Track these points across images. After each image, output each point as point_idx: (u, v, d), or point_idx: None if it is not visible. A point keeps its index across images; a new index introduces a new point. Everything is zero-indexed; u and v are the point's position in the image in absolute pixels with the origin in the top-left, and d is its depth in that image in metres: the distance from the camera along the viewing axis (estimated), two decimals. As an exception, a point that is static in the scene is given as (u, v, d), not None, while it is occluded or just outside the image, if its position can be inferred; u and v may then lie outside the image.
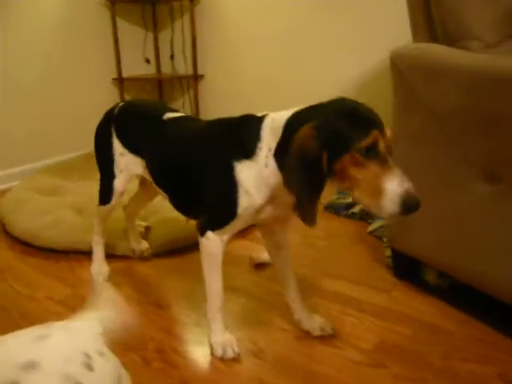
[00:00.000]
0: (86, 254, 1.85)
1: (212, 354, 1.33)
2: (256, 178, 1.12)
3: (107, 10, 3.38)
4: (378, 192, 0.93)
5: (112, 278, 1.76)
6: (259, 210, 1.17)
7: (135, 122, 1.50)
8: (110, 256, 1.85)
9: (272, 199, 1.15)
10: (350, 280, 1.72)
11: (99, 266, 1.77)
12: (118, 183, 1.56)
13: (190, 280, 1.74)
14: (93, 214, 1.75)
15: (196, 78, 3.58)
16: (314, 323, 1.40)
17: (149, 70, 3.75)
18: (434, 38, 1.50)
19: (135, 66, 3.63)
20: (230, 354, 1.31)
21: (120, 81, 3.48)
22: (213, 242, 1.24)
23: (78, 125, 3.17)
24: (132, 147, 1.50)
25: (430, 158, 1.41)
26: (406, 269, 1.69)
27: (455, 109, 1.30)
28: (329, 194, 2.42)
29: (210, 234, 1.24)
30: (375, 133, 0.93)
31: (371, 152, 0.93)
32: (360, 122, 0.95)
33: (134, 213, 1.88)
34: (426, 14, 1.49)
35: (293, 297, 1.42)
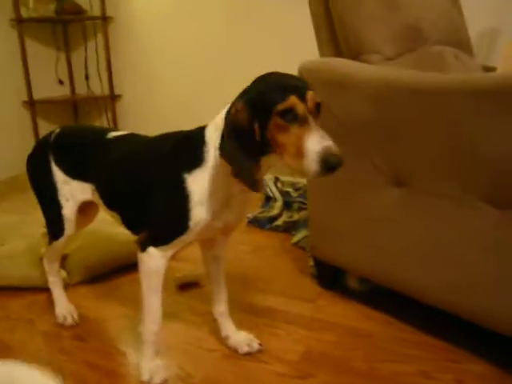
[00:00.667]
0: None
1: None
2: (209, 184, 1.11)
3: (14, 30, 3.22)
4: (299, 153, 0.95)
5: (24, 315, 1.65)
6: (213, 220, 1.15)
7: (78, 145, 1.42)
8: (22, 289, 1.75)
9: (226, 203, 1.15)
10: (277, 292, 1.73)
11: (65, 307, 1.62)
12: (68, 212, 1.45)
13: (115, 307, 1.67)
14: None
15: (113, 98, 3.50)
16: (241, 339, 1.39)
17: (63, 92, 3.61)
18: (338, 53, 1.56)
19: (48, 88, 3.48)
20: (156, 380, 1.26)
21: (31, 103, 3.31)
22: (155, 259, 1.19)
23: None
24: (77, 173, 1.42)
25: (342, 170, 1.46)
26: (330, 277, 1.73)
27: (361, 119, 1.36)
28: (253, 207, 2.44)
29: (151, 249, 1.18)
30: (292, 97, 0.96)
31: (289, 115, 0.96)
32: (279, 89, 0.98)
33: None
34: (330, 31, 1.55)
35: (221, 311, 1.41)
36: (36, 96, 3.33)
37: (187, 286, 1.79)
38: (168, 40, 3.23)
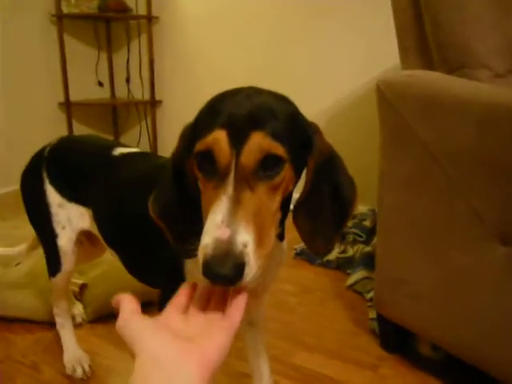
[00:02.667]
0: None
1: None
2: None
3: (54, 26, 3.05)
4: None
5: (29, 357, 1.40)
6: None
7: (76, 161, 1.17)
8: (28, 322, 1.52)
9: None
10: (328, 352, 1.41)
11: (73, 354, 1.37)
12: (64, 243, 1.19)
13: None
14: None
15: (154, 103, 3.27)
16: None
17: (102, 94, 3.42)
18: (426, 65, 1.24)
19: (86, 90, 3.30)
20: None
21: (67, 105, 3.13)
22: None
23: (18, 155, 2.78)
24: (73, 195, 1.16)
25: (426, 211, 1.14)
26: (396, 339, 1.40)
27: (459, 150, 1.04)
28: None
29: None
30: (216, 133, 0.59)
31: (205, 162, 0.61)
32: (208, 117, 0.63)
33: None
34: (418, 37, 1.24)
35: None
36: (73, 97, 3.14)
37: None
38: (215, 45, 2.98)
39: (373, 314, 1.53)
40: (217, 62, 2.97)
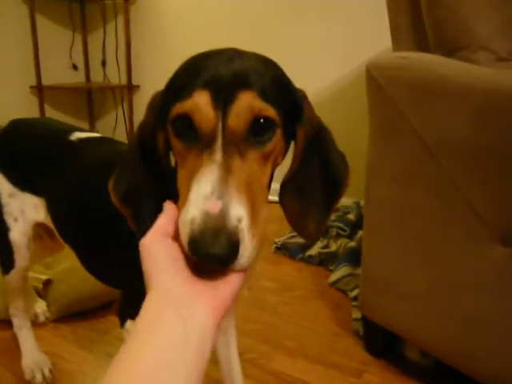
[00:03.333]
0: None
1: None
2: None
3: (25, 6, 2.87)
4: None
5: (-15, 361, 1.28)
6: None
7: (28, 146, 1.04)
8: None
9: None
10: (310, 357, 1.31)
11: (33, 358, 1.24)
12: (17, 236, 1.07)
13: (99, 358, 1.29)
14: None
15: (131, 88, 3.12)
16: None
17: (76, 78, 3.25)
18: (421, 46, 1.14)
19: (60, 73, 3.14)
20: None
21: (39, 89, 2.96)
22: None
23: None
24: (26, 183, 1.04)
25: (419, 207, 1.04)
26: (382, 342, 1.31)
27: (456, 141, 0.94)
28: (282, 230, 2.03)
29: (130, 325, 0.80)
30: (197, 94, 0.50)
31: (185, 128, 0.51)
32: (186, 77, 0.53)
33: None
34: (411, 16, 1.14)
35: None
36: (46, 81, 2.98)
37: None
38: (195, 26, 2.83)
39: (357, 314, 1.44)
40: (198, 45, 2.81)
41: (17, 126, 1.10)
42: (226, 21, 2.70)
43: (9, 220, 1.06)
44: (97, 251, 0.94)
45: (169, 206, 0.52)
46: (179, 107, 0.50)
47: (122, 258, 0.84)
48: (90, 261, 0.99)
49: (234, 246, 0.44)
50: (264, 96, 0.51)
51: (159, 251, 0.48)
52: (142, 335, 0.43)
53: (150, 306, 0.45)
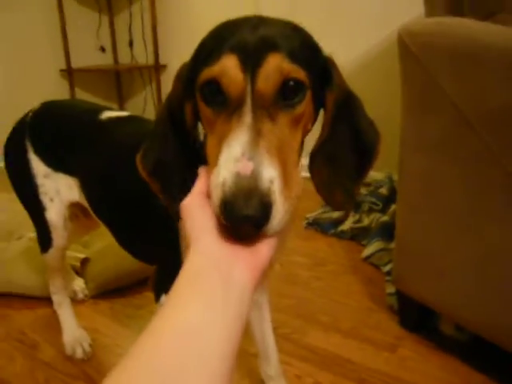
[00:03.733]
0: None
1: None
2: None
3: (52, -10, 2.89)
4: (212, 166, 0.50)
5: (29, 335, 1.33)
6: None
7: (60, 127, 1.06)
8: (28, 298, 1.46)
9: None
10: (344, 331, 1.32)
11: (73, 334, 1.28)
12: (53, 216, 1.10)
13: (135, 332, 1.32)
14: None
15: (158, 68, 3.13)
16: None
17: (104, 60, 3.28)
18: (455, 10, 1.09)
19: (88, 55, 3.16)
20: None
21: (69, 72, 3.00)
22: None
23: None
24: (59, 163, 1.06)
25: (457, 180, 1.01)
26: (416, 317, 1.30)
27: (497, 111, 0.91)
28: (312, 205, 2.02)
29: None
30: (225, 58, 0.49)
31: (212, 93, 0.51)
32: (213, 44, 0.53)
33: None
34: (446, -21, 1.09)
35: (271, 374, 1.02)
36: (75, 64, 3.02)
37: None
38: (222, 5, 2.80)
39: (390, 289, 1.43)
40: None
41: (48, 107, 1.12)
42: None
43: (45, 200, 1.08)
44: (131, 228, 0.96)
45: (204, 170, 0.53)
46: (207, 72, 0.50)
47: (155, 233, 0.86)
48: (124, 238, 1.00)
49: (266, 208, 0.43)
50: (293, 58, 0.50)
51: (199, 212, 0.48)
52: (182, 295, 0.43)
53: (190, 266, 0.45)
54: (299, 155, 0.55)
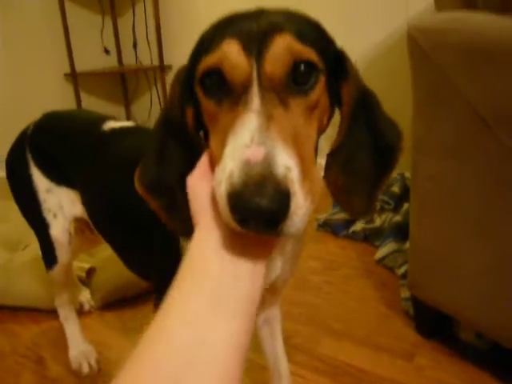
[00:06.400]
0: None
1: None
2: None
3: (54, -5, 2.86)
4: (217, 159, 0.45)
5: (34, 350, 1.31)
6: None
7: (61, 139, 1.03)
8: (34, 311, 1.43)
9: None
10: (358, 340, 1.27)
11: (79, 349, 1.25)
12: (57, 232, 1.06)
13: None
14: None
15: (163, 69, 3.09)
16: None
17: (108, 62, 3.25)
18: (467, 3, 1.04)
19: (92, 58, 3.13)
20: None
21: (73, 76, 2.97)
22: None
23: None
24: (61, 176, 1.03)
25: (472, 181, 0.96)
26: (433, 323, 1.25)
27: (513, 108, 0.85)
28: (323, 206, 1.97)
29: None
30: (226, 43, 0.45)
31: (213, 82, 0.46)
32: (213, 32, 0.49)
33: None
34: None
35: None
36: (79, 68, 2.99)
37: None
38: (225, 2, 2.74)
39: (405, 293, 1.38)
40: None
41: (49, 119, 1.09)
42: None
43: (48, 217, 1.05)
44: (128, 241, 0.92)
45: (206, 152, 0.49)
46: (206, 61, 0.46)
47: (155, 252, 0.82)
48: (122, 251, 0.97)
49: (283, 199, 0.36)
50: (303, 39, 0.45)
51: (204, 191, 0.45)
52: (189, 278, 0.42)
53: (198, 242, 0.44)
54: (315, 148, 0.48)
